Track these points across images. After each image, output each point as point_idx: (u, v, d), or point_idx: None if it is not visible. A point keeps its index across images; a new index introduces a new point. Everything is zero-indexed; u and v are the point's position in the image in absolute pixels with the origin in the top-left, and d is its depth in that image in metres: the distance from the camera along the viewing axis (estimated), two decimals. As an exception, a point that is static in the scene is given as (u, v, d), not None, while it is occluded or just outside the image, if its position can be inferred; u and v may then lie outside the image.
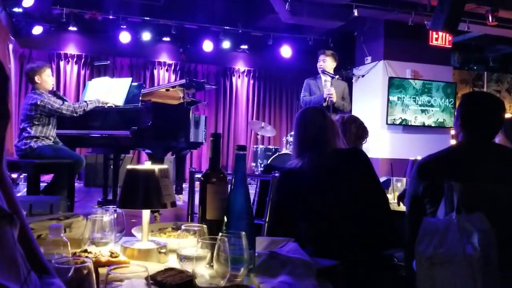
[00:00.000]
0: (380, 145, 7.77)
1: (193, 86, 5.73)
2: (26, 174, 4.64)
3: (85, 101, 4.90)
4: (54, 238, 1.16)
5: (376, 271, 2.00)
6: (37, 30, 8.22)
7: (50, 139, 4.67)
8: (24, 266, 0.62)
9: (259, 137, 9.06)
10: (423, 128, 8.08)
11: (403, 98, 7.90)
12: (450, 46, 7.25)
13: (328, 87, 5.05)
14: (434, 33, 6.90)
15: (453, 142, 6.11)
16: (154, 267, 1.18)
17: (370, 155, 2.48)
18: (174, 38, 9.10)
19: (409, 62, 8.06)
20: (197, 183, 1.74)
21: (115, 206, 1.50)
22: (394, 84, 7.84)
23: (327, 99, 4.98)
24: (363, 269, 1.90)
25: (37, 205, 2.12)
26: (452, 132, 7.88)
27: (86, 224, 1.42)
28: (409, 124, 7.98)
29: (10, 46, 7.82)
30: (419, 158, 2.35)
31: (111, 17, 8.22)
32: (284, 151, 7.78)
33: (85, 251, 1.27)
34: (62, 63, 9.04)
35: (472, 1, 6.66)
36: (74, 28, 8.32)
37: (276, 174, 2.08)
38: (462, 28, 7.22)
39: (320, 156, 2.12)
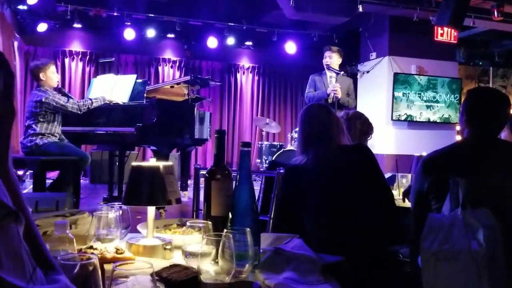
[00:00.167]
0: (385, 141, 7.75)
1: (197, 82, 5.73)
2: (32, 171, 4.66)
3: (90, 99, 4.91)
4: (60, 234, 1.17)
5: (381, 267, 2.00)
6: (42, 27, 8.26)
7: (55, 136, 4.68)
8: (30, 263, 0.62)
9: (263, 133, 9.05)
10: (428, 124, 8.05)
11: (408, 94, 7.87)
12: (456, 42, 7.21)
13: (334, 83, 5.04)
14: (439, 28, 6.87)
15: (458, 138, 6.08)
16: (160, 263, 1.18)
17: (375, 151, 2.47)
18: (179, 35, 9.09)
19: (414, 57, 8.02)
20: (202, 180, 1.74)
21: (120, 203, 1.50)
22: (399, 80, 7.81)
23: (332, 95, 4.96)
24: (368, 265, 1.90)
25: (43, 202, 2.13)
26: (458, 128, 7.84)
27: (91, 221, 1.43)
28: (414, 120, 7.95)
29: (15, 44, 7.85)
30: (424, 154, 2.34)
31: (115, 14, 8.23)
32: (289, 147, 7.77)
33: (91, 247, 1.27)
34: (67, 60, 9.07)
35: (477, -4, 6.63)
36: (79, 25, 8.33)
37: (281, 171, 2.08)
38: (468, 23, 7.18)
39: (325, 152, 2.12)
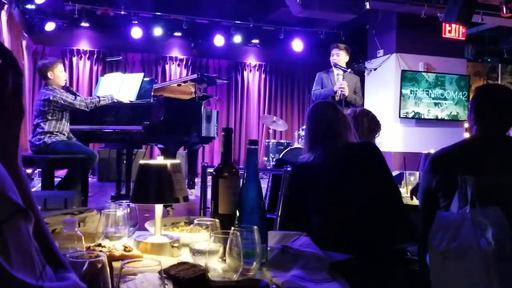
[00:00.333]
0: (392, 139, 7.72)
1: (204, 80, 5.74)
2: (40, 169, 4.68)
3: (98, 96, 4.93)
4: (69, 232, 1.17)
5: (389, 265, 1.99)
6: (50, 26, 8.30)
7: (64, 134, 4.71)
8: (39, 261, 0.62)
9: (270, 131, 9.04)
10: (436, 122, 8.01)
11: (416, 91, 7.83)
12: (464, 38, 7.18)
13: (341, 81, 5.02)
14: (447, 25, 6.83)
15: (466, 135, 6.05)
16: (167, 261, 1.19)
17: (382, 148, 2.47)
18: (186, 33, 9.11)
19: (421, 54, 7.98)
20: (209, 178, 1.75)
21: (128, 201, 1.51)
22: (407, 77, 7.78)
23: (339, 92, 4.95)
24: (376, 263, 1.90)
25: (51, 200, 2.14)
26: (466, 125, 7.80)
27: (100, 219, 1.43)
28: (422, 117, 7.91)
29: (24, 43, 7.89)
30: (432, 151, 2.33)
31: (122, 12, 8.26)
32: (296, 145, 7.76)
33: (99, 245, 1.28)
34: (74, 59, 9.11)
35: (485, -7, 6.58)
36: (86, 24, 8.38)
37: (288, 168, 2.07)
38: (476, 20, 7.12)
39: (332, 150, 2.12)
